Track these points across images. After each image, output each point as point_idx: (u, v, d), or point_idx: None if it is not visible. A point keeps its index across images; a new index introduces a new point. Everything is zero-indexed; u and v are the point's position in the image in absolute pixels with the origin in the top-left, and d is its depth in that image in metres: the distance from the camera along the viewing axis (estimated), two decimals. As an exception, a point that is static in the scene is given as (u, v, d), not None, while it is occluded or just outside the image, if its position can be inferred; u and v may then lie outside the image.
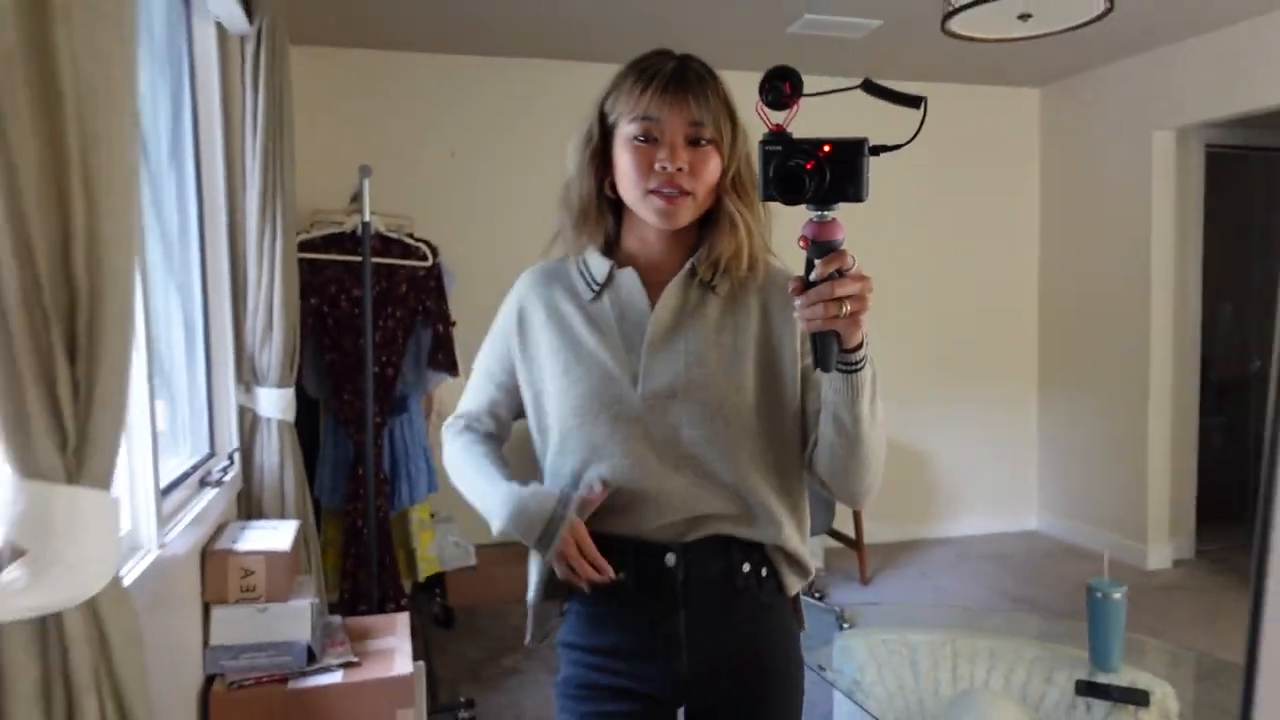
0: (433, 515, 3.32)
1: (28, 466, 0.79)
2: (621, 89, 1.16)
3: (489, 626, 3.69)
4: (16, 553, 0.81)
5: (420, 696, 2.04)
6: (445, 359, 3.10)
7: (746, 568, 1.18)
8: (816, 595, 3.82)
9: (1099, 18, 2.35)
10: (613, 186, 1.19)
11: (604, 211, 1.21)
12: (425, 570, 3.14)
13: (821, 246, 0.93)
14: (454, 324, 3.18)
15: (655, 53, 1.18)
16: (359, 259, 2.93)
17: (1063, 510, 4.83)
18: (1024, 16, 2.43)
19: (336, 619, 2.20)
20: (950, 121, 4.73)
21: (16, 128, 0.73)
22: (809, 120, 0.99)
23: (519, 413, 1.30)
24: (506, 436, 1.33)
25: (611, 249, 1.23)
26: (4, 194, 0.74)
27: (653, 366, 1.16)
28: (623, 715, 1.19)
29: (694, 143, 1.13)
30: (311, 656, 1.94)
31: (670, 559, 1.15)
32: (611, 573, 1.15)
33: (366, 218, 2.64)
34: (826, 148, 0.92)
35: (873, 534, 4.41)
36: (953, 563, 4.49)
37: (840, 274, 0.92)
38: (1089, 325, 4.63)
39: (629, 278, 1.20)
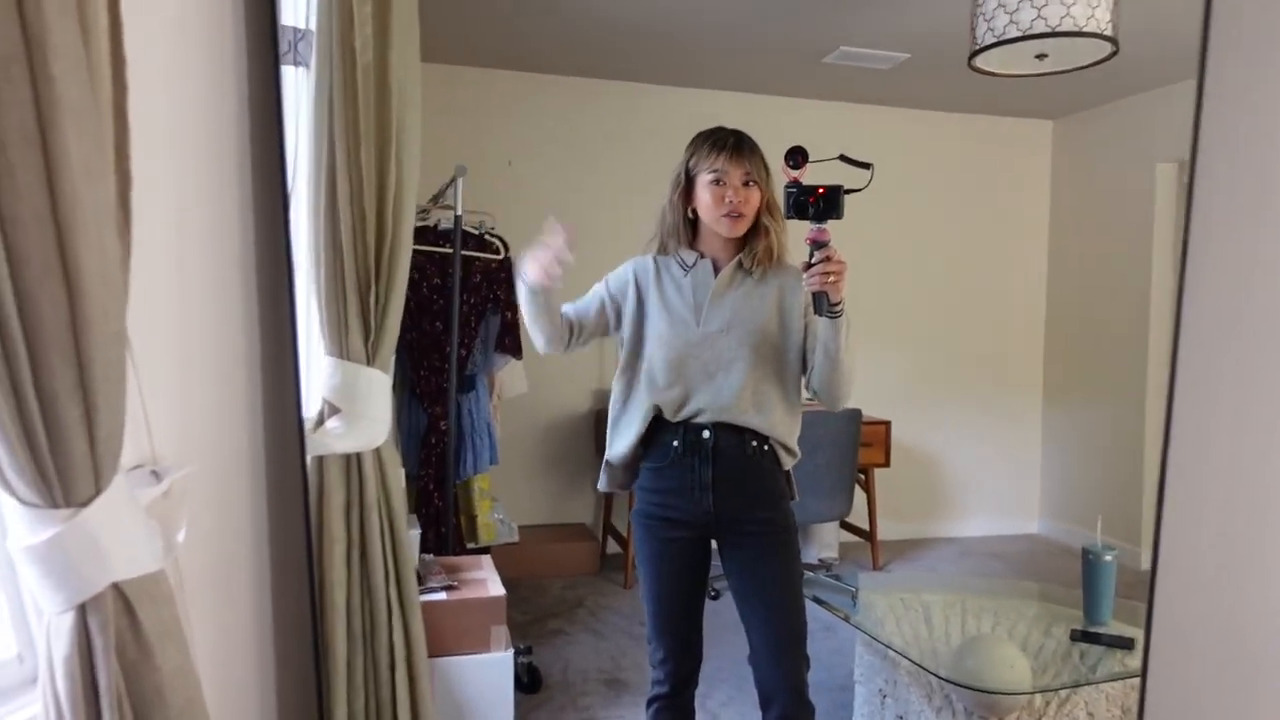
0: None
1: (344, 351, 1.14)
2: (700, 151, 1.81)
3: (531, 596, 4.02)
4: (333, 410, 1.15)
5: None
6: (511, 343, 3.44)
7: (754, 443, 1.79)
8: (835, 578, 4.14)
9: (1105, 59, 2.71)
10: (693, 210, 1.84)
11: (686, 225, 1.86)
12: (484, 536, 3.46)
13: (818, 244, 1.61)
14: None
15: (719, 129, 1.84)
16: (438, 249, 3.29)
17: (1063, 515, 5.15)
18: (1040, 56, 2.79)
19: (430, 556, 2.53)
20: (970, 148, 5.10)
21: (364, 113, 1.08)
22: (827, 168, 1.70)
23: (596, 326, 1.88)
24: (578, 331, 1.89)
25: (691, 245, 1.87)
26: (349, 158, 1.09)
27: (710, 315, 1.81)
28: (673, 539, 1.83)
29: (745, 184, 1.77)
30: (419, 579, 2.27)
31: (707, 434, 1.78)
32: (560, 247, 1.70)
33: (459, 211, 2.98)
34: (820, 189, 1.62)
35: (883, 530, 4.73)
36: (956, 559, 4.80)
37: (828, 259, 1.59)
38: (1091, 342, 4.97)
39: (704, 264, 1.86)
